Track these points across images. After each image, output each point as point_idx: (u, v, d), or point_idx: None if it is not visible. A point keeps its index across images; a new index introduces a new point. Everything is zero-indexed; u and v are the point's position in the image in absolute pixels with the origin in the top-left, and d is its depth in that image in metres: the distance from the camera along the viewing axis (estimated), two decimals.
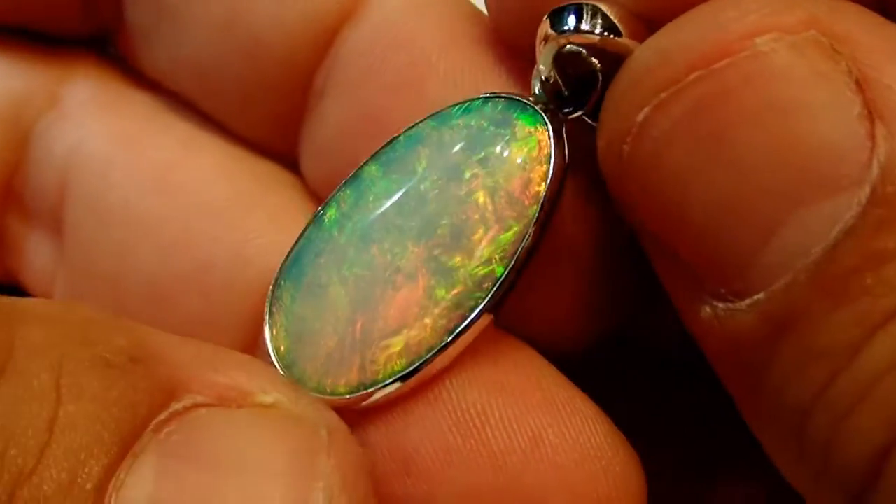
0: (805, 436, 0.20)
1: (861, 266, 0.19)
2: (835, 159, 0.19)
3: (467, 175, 0.24)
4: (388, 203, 0.25)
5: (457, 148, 0.25)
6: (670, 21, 0.22)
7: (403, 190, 0.25)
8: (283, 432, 0.21)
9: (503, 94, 0.25)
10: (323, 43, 0.28)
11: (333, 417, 0.22)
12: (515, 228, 0.24)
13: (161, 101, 0.31)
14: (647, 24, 0.23)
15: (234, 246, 0.28)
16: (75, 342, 0.21)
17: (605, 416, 0.24)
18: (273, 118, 0.30)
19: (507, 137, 0.24)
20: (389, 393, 0.24)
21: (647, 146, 0.21)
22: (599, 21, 0.23)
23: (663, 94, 0.21)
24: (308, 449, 0.21)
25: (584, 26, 0.23)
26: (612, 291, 0.26)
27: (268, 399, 0.21)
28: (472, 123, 0.25)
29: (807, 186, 0.19)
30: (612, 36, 0.23)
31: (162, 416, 0.20)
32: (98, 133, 0.30)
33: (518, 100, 0.25)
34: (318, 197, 0.29)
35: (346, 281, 0.25)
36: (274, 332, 0.25)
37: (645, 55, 0.22)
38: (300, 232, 0.26)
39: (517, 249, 0.24)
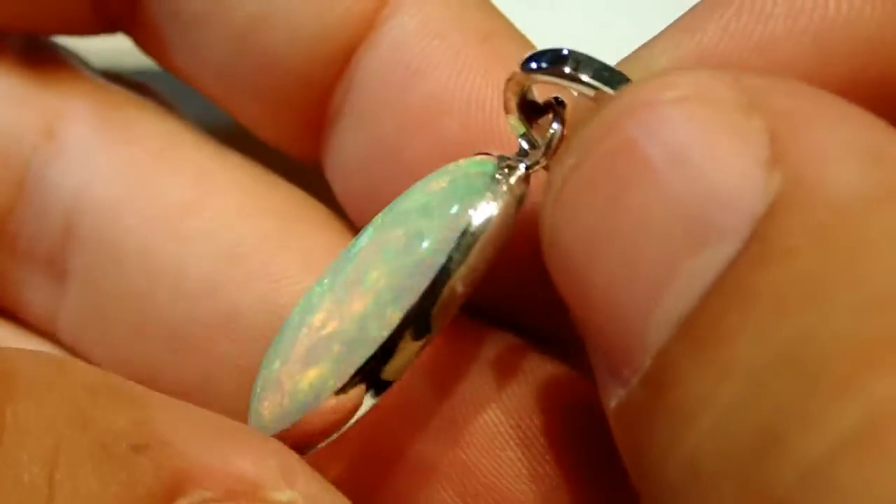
0: None
1: (727, 309, 0.17)
2: (728, 206, 0.17)
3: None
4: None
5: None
6: None
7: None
8: None
9: (463, 164, 0.23)
10: (339, 62, 0.27)
11: None
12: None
13: (169, 130, 0.29)
14: None
15: (262, 293, 0.27)
16: (72, 423, 0.19)
17: None
18: (294, 130, 0.28)
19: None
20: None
21: (563, 211, 0.20)
22: (571, 64, 0.21)
23: (579, 156, 0.19)
24: None
25: (556, 68, 0.21)
26: None
27: (282, 497, 0.20)
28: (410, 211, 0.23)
29: (695, 237, 0.18)
30: (583, 78, 0.21)
31: None
32: (105, 174, 0.28)
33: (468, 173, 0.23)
34: (347, 215, 0.28)
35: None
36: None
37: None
38: None
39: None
